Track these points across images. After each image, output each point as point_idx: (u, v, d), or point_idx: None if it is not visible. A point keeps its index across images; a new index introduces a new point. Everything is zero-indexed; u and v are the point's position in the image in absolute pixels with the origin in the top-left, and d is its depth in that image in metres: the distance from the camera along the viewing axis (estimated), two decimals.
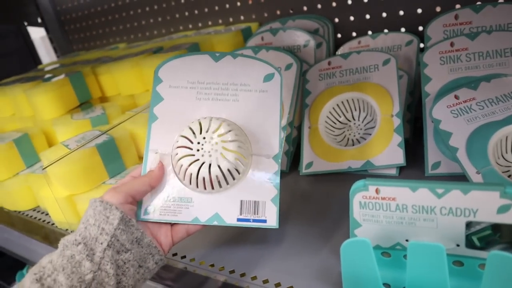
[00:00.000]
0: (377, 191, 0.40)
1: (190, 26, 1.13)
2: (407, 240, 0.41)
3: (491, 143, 0.53)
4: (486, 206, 0.36)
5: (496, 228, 0.37)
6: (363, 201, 0.41)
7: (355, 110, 0.69)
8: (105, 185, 0.67)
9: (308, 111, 0.70)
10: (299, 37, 0.77)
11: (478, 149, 0.53)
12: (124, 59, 0.90)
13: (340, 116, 0.70)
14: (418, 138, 0.66)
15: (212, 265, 0.53)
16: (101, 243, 0.42)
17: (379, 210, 0.41)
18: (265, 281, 0.48)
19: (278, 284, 0.48)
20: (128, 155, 0.70)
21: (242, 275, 0.50)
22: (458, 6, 0.73)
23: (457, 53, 0.63)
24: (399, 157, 0.60)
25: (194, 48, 0.85)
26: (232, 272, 0.51)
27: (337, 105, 0.69)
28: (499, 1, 0.66)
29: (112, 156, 0.68)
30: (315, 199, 0.61)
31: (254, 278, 0.49)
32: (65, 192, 0.66)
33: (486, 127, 0.55)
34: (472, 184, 0.37)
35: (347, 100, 0.69)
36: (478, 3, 0.68)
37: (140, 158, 0.71)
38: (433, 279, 0.37)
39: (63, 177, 0.64)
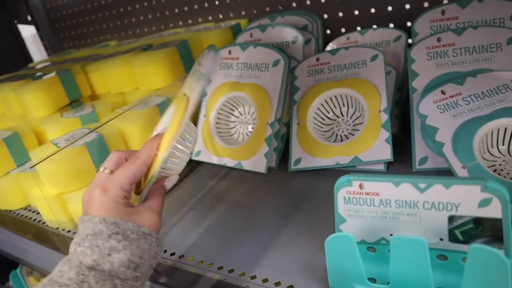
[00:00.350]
0: (360, 186, 0.41)
1: (180, 23, 1.13)
2: (391, 235, 0.42)
3: (477, 138, 0.54)
4: (467, 200, 0.37)
5: (478, 221, 0.37)
6: (347, 196, 0.42)
7: (344, 106, 0.69)
8: None
9: (297, 107, 0.70)
10: (288, 33, 0.77)
11: (463, 144, 0.53)
12: (114, 57, 0.90)
13: (328, 112, 0.70)
14: (406, 133, 0.66)
15: (201, 262, 0.53)
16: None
17: (363, 205, 0.41)
18: (253, 277, 0.49)
19: (265, 280, 0.48)
20: None
21: (230, 271, 0.51)
22: (445, 1, 0.73)
23: (444, 49, 0.63)
24: (386, 153, 0.60)
25: (183, 45, 0.85)
26: (220, 268, 0.51)
27: (326, 101, 0.69)
28: None
29: (102, 154, 0.68)
30: (304, 195, 0.62)
31: (242, 274, 0.50)
32: (54, 190, 0.66)
33: (472, 122, 0.55)
34: (454, 179, 0.37)
35: (336, 96, 0.69)
36: None
37: None
38: (416, 273, 0.38)
39: (53, 176, 0.64)
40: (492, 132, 0.55)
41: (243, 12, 0.99)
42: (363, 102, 0.65)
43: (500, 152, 0.55)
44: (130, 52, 0.91)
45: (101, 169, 0.47)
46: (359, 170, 0.64)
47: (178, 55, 0.84)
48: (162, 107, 0.73)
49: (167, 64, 0.81)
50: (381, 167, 0.62)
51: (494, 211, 0.36)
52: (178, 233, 0.60)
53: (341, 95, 0.69)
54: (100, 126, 0.69)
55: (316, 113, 0.69)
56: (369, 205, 0.41)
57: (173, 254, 0.56)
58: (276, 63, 0.70)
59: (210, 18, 1.06)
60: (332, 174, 0.64)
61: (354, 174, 0.41)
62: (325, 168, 0.65)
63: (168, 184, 0.51)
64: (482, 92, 0.57)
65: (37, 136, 0.86)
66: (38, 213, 0.78)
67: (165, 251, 0.57)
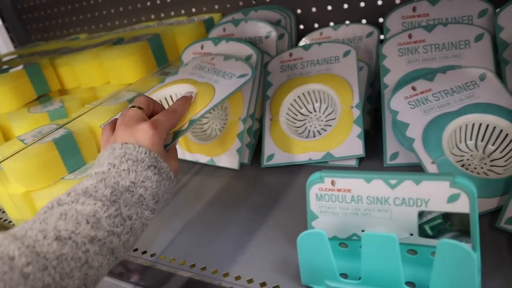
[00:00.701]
0: (332, 183, 0.41)
1: (152, 16, 1.11)
2: (363, 231, 0.42)
3: (446, 134, 0.55)
4: (437, 195, 0.37)
5: (446, 216, 0.38)
6: (320, 193, 0.42)
7: (316, 101, 0.70)
8: (64, 181, 0.65)
9: (270, 103, 0.70)
10: (261, 28, 0.77)
11: (433, 140, 0.54)
12: (84, 51, 0.88)
13: (301, 108, 0.70)
14: (378, 129, 0.67)
15: (173, 260, 0.53)
16: None
17: (335, 201, 0.42)
18: (225, 274, 0.48)
19: (238, 277, 0.48)
20: (87, 150, 0.68)
21: (203, 269, 0.50)
22: None
23: (414, 45, 0.64)
24: (358, 148, 0.61)
25: (155, 40, 0.83)
26: (193, 266, 0.51)
27: (298, 96, 0.69)
28: None
29: (71, 151, 0.66)
30: (277, 191, 0.62)
31: (214, 271, 0.49)
32: (21, 188, 0.64)
33: (441, 118, 0.56)
34: (423, 175, 0.38)
35: (308, 92, 0.69)
36: None
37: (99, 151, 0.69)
38: (387, 268, 0.38)
39: (19, 173, 0.62)
40: (460, 127, 0.56)
41: (216, 6, 0.98)
42: (336, 98, 0.65)
43: (468, 147, 0.56)
44: (100, 46, 0.89)
45: (132, 106, 0.51)
46: (331, 166, 0.64)
47: (150, 49, 0.82)
48: None
49: (138, 59, 0.79)
50: (353, 162, 0.63)
51: (462, 206, 0.37)
52: (149, 231, 0.59)
53: (313, 91, 0.69)
54: (69, 122, 0.67)
55: (289, 108, 0.69)
56: (341, 201, 0.41)
57: (144, 252, 0.55)
58: (248, 58, 0.69)
59: (183, 11, 1.05)
60: (305, 169, 0.64)
61: (326, 170, 0.41)
62: (298, 164, 0.65)
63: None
64: (451, 88, 0.58)
65: (3, 132, 0.83)
66: (3, 211, 0.75)
67: (136, 249, 0.56)
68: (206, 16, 0.95)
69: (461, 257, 0.34)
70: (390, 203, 0.39)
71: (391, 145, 0.61)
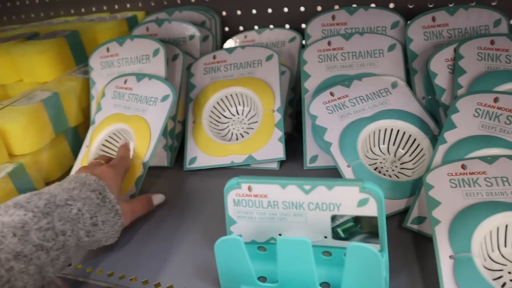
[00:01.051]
0: (249, 188, 0.41)
1: (72, 11, 1.06)
2: (280, 235, 0.43)
3: (360, 138, 0.57)
4: (348, 200, 0.39)
5: (357, 220, 0.39)
6: (237, 198, 0.42)
7: (239, 104, 0.70)
8: None
9: (193, 105, 0.69)
10: (185, 29, 0.76)
11: (349, 144, 0.57)
12: None
13: (224, 111, 0.70)
14: (299, 132, 0.68)
15: (90, 270, 0.50)
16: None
17: (252, 207, 0.42)
18: (145, 282, 0.47)
19: (157, 285, 0.46)
20: None
21: (121, 277, 0.48)
22: (336, 7, 0.77)
23: (333, 52, 0.66)
24: (279, 152, 0.62)
25: (74, 36, 0.79)
26: (111, 275, 0.49)
27: (222, 99, 0.69)
28: (370, 5, 0.71)
29: None
30: (200, 195, 0.61)
31: (134, 279, 0.48)
32: None
33: (357, 123, 0.58)
34: (335, 180, 0.39)
35: (231, 95, 0.69)
36: (354, 5, 0.72)
37: (12, 156, 0.65)
38: (302, 271, 0.39)
39: None
40: (374, 132, 0.59)
41: (140, 4, 0.95)
42: (258, 101, 0.66)
43: (381, 151, 0.60)
44: (12, 40, 0.83)
45: (96, 160, 0.55)
46: (253, 169, 0.65)
47: (67, 46, 0.78)
48: (48, 103, 0.67)
49: (54, 56, 0.75)
50: (275, 165, 0.64)
51: (370, 210, 0.38)
52: None
53: (236, 94, 0.69)
54: None
55: (211, 111, 0.69)
56: (258, 206, 0.42)
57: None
58: (156, 52, 0.67)
59: (105, 8, 1.01)
60: (227, 173, 0.65)
61: (243, 176, 0.41)
62: (221, 167, 0.65)
63: (155, 200, 0.57)
64: (366, 94, 0.61)
65: None
66: None
67: None
68: (129, 14, 0.92)
69: (368, 258, 0.36)
70: (305, 208, 0.40)
71: (310, 148, 0.63)
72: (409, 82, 0.64)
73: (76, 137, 0.74)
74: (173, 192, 0.62)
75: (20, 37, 0.85)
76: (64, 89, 0.71)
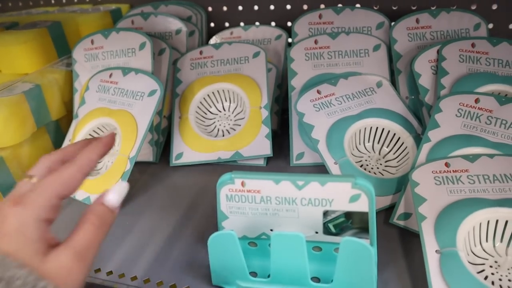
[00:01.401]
0: (242, 184, 0.42)
1: (53, 1, 1.03)
2: (271, 230, 0.43)
3: (347, 136, 0.58)
4: (340, 196, 0.40)
5: (348, 215, 0.40)
6: (230, 194, 0.42)
7: (226, 101, 0.70)
8: None
9: (179, 100, 0.69)
10: (171, 24, 0.75)
11: (336, 141, 0.58)
12: None
13: (210, 107, 0.70)
14: (285, 129, 0.69)
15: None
16: None
17: (245, 202, 0.42)
18: (133, 278, 0.47)
19: (147, 280, 0.46)
20: None
21: (109, 273, 0.48)
22: (322, 6, 0.78)
23: (320, 50, 0.67)
24: (266, 148, 0.62)
25: (56, 27, 0.77)
26: (98, 271, 0.48)
27: (208, 95, 0.69)
28: (356, 5, 0.72)
29: None
30: (186, 190, 0.61)
31: (121, 275, 0.47)
32: None
33: (343, 121, 0.60)
34: (329, 176, 0.40)
35: (218, 91, 0.69)
36: (339, 5, 0.73)
37: None
38: (294, 265, 0.40)
39: None
40: (360, 130, 0.60)
41: None
42: (245, 98, 0.66)
43: (366, 149, 0.61)
44: None
45: (26, 178, 0.33)
46: (240, 165, 0.65)
47: (49, 37, 0.76)
48: (30, 95, 0.66)
49: (36, 47, 0.73)
50: (261, 162, 0.64)
51: (362, 205, 0.39)
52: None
53: (223, 90, 0.69)
54: None
55: (198, 107, 0.69)
56: (250, 202, 0.42)
57: None
58: (142, 46, 0.67)
59: None
60: (214, 168, 0.65)
61: (236, 172, 0.42)
62: (207, 163, 0.65)
63: (113, 200, 0.35)
64: (352, 93, 0.62)
65: None
66: None
67: None
68: (113, 6, 0.91)
69: (360, 253, 0.37)
70: (298, 203, 0.41)
71: (297, 145, 0.63)
72: (393, 82, 0.65)
73: (58, 131, 0.72)
74: (159, 188, 0.62)
75: None
76: (47, 81, 0.69)
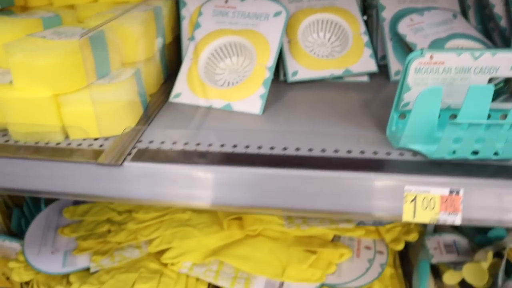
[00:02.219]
0: (431, 57, 0.52)
1: None
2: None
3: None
4: (504, 64, 0.52)
5: (507, 81, 0.53)
6: (419, 66, 0.53)
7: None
8: (93, 85, 0.61)
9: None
10: None
11: None
12: None
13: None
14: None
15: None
16: None
17: (429, 73, 0.53)
18: (310, 150, 0.55)
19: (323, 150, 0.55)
20: (114, 56, 0.65)
21: (284, 149, 0.56)
22: None
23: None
24: (372, 65, 0.74)
25: None
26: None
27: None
28: None
29: (101, 54, 0.62)
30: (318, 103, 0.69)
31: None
32: (48, 91, 0.58)
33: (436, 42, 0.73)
34: (498, 49, 0.52)
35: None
36: None
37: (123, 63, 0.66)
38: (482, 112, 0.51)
39: (50, 72, 0.57)
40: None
41: None
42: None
43: None
44: None
45: None
46: (346, 82, 0.75)
47: None
48: (156, 12, 0.70)
49: None
50: (365, 78, 0.76)
51: None
52: None
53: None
54: (104, 24, 0.62)
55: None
56: (434, 73, 0.53)
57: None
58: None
59: None
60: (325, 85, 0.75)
61: (426, 48, 0.52)
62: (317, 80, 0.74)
63: None
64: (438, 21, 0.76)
65: None
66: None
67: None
68: None
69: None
70: (471, 72, 0.53)
71: (394, 64, 0.76)
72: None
73: (163, 55, 0.77)
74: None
75: None
76: (159, 5, 0.73)
